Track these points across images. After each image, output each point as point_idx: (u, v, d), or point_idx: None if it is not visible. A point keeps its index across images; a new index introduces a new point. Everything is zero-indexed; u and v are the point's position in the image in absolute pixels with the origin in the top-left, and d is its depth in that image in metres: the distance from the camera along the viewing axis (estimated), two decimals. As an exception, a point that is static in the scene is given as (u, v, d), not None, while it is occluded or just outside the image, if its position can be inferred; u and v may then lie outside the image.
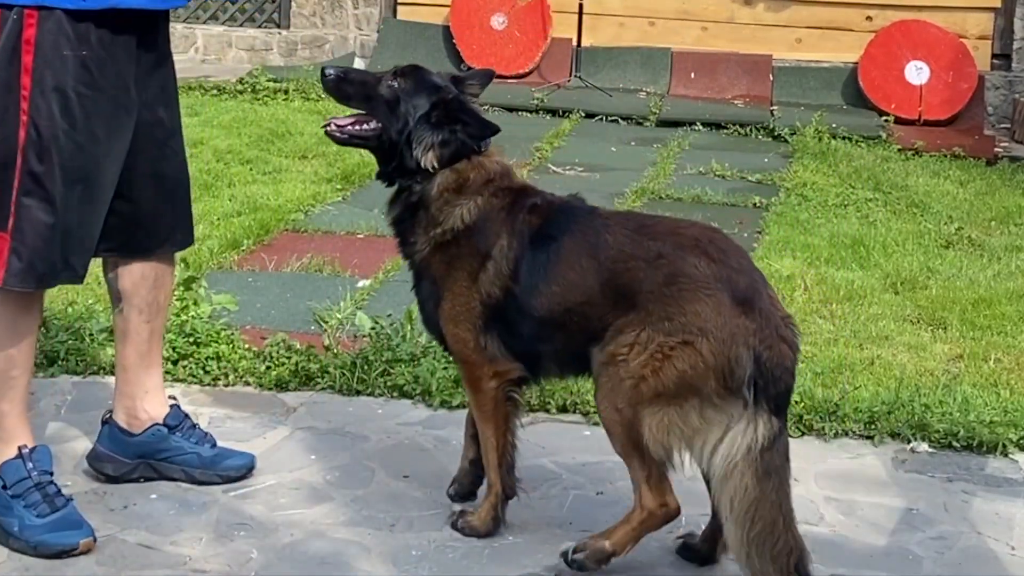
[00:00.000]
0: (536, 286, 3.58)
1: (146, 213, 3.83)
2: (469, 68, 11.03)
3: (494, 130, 3.68)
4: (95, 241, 3.69)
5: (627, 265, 3.48)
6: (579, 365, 3.65)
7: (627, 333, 3.43)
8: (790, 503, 3.43)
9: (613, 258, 3.51)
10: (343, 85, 3.76)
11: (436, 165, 3.64)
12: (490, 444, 3.74)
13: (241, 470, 4.06)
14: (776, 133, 9.71)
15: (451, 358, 3.84)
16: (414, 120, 3.65)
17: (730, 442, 3.37)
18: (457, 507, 3.85)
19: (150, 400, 3.99)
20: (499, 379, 3.67)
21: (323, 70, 3.79)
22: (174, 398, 4.10)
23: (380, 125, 3.70)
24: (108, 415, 4.03)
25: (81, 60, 3.52)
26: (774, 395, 3.37)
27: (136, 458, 3.99)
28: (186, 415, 4.07)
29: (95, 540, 3.63)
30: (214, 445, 4.07)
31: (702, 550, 3.70)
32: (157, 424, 3.98)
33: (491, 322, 3.63)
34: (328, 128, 3.76)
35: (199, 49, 11.78)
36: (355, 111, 3.76)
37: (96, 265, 3.93)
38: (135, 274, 3.88)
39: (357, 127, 3.73)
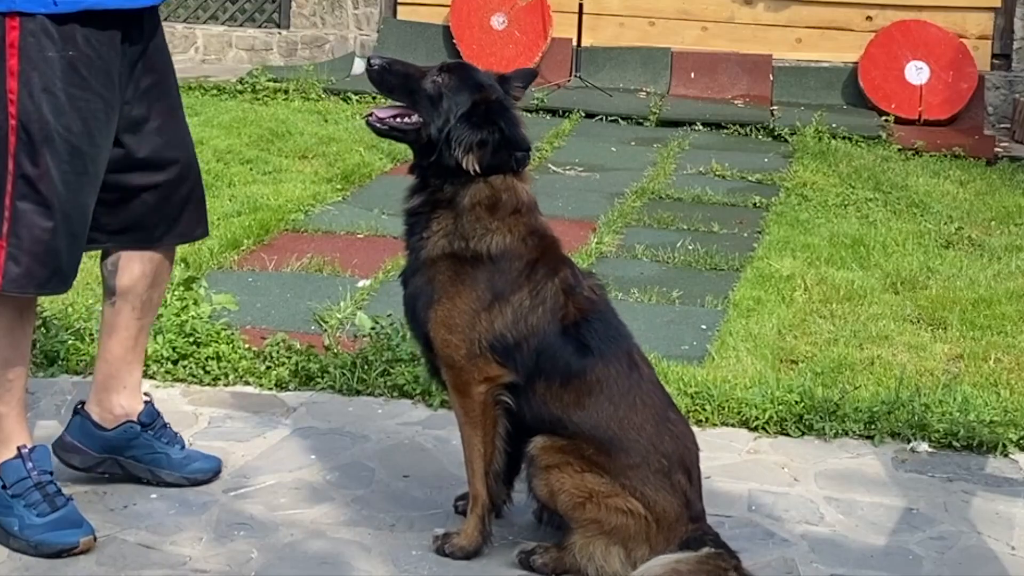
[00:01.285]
0: (551, 376, 3.58)
1: (143, 203, 3.80)
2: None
3: (526, 146, 3.61)
4: (84, 242, 3.66)
5: (639, 438, 3.55)
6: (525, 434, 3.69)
7: (596, 473, 3.55)
8: None
9: (633, 423, 3.56)
10: (387, 76, 3.70)
11: (477, 169, 3.57)
12: (476, 451, 3.65)
13: (208, 473, 4.03)
14: (776, 133, 9.71)
15: (429, 357, 3.76)
16: (455, 118, 3.58)
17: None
18: (440, 530, 3.74)
19: (127, 396, 3.96)
20: (489, 383, 3.61)
21: (368, 59, 3.74)
22: (148, 395, 4.06)
23: (421, 120, 3.63)
24: (81, 405, 4.00)
25: (68, 60, 3.49)
26: None
27: (104, 452, 3.96)
28: (158, 413, 4.03)
29: (95, 539, 3.63)
30: (183, 447, 4.04)
31: None
32: (130, 421, 3.95)
33: (491, 347, 3.60)
34: (369, 119, 3.69)
35: (199, 49, 11.78)
36: (397, 103, 3.69)
37: (91, 260, 3.92)
38: (134, 272, 3.85)
39: (398, 120, 3.66)
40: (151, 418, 4.00)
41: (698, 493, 3.64)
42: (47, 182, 3.50)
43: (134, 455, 3.98)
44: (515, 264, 3.60)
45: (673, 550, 3.49)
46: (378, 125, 3.69)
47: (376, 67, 3.70)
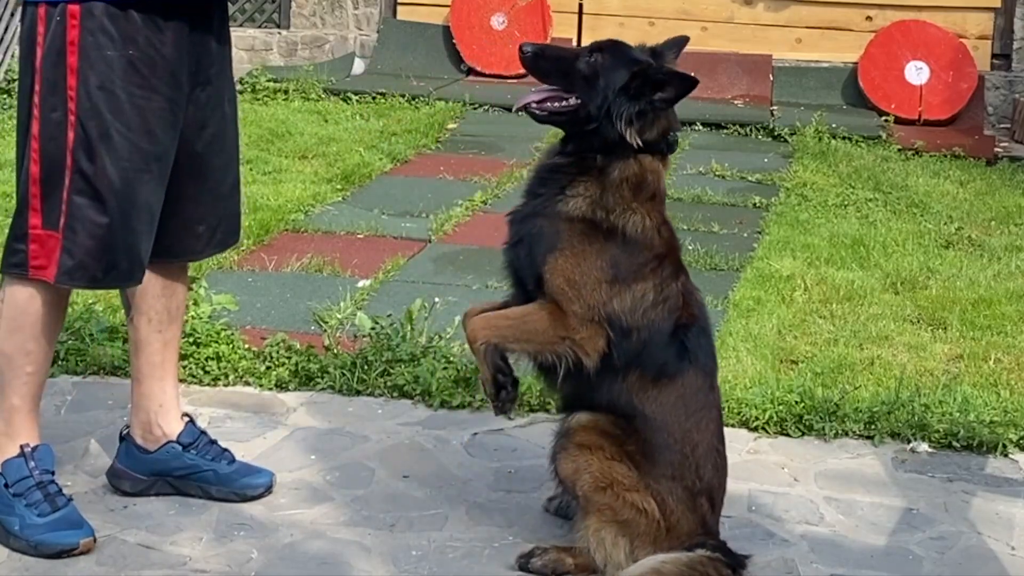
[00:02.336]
0: (644, 368, 3.58)
1: (195, 215, 3.81)
2: (470, 68, 11.06)
3: (694, 82, 3.62)
4: (151, 242, 3.66)
5: (692, 455, 3.58)
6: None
7: (626, 463, 3.57)
8: None
9: (694, 440, 3.59)
10: (540, 61, 3.68)
11: (639, 142, 3.56)
12: (516, 346, 3.62)
13: (259, 488, 3.98)
14: (776, 133, 9.71)
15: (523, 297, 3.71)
16: (613, 93, 3.57)
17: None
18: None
19: (164, 416, 3.94)
20: (587, 340, 3.55)
21: (521, 47, 3.69)
22: (188, 415, 4.04)
23: (579, 101, 3.61)
24: (126, 430, 3.99)
25: (128, 60, 3.52)
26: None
27: (152, 475, 3.94)
28: (202, 431, 4.01)
29: (95, 540, 3.63)
30: (232, 461, 4.00)
31: None
32: (171, 442, 3.93)
33: (608, 321, 3.58)
34: (527, 105, 3.65)
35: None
36: (546, 87, 3.67)
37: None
38: (146, 282, 3.79)
39: (556, 104, 3.64)
40: (192, 437, 3.96)
41: (716, 521, 3.66)
42: (103, 178, 3.52)
43: (182, 474, 3.95)
44: (644, 253, 3.60)
45: (651, 551, 3.53)
46: (538, 112, 3.65)
47: (529, 54, 3.67)
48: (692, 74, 3.67)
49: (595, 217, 3.59)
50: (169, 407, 3.95)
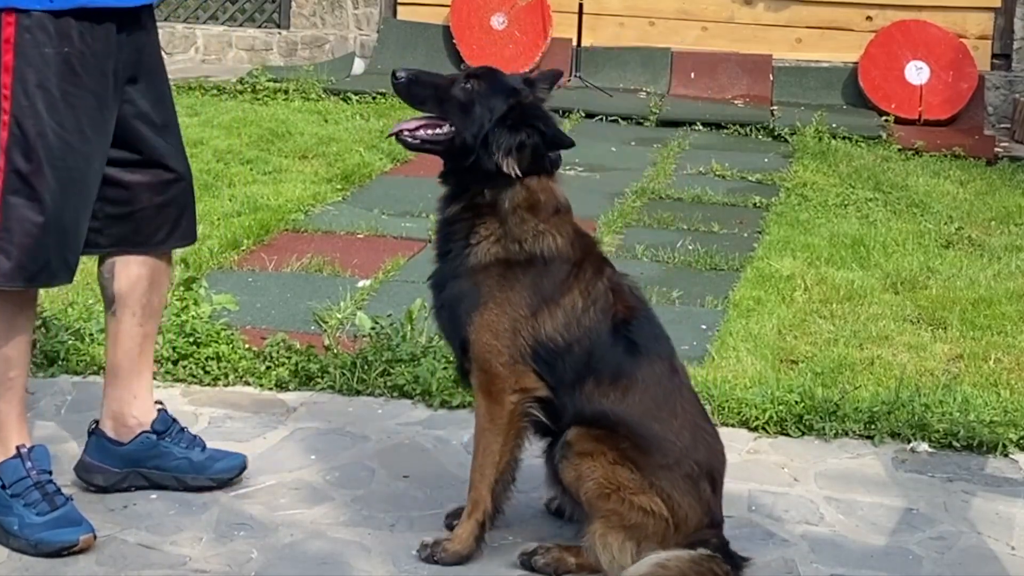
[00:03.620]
0: (600, 373, 3.58)
1: (145, 206, 3.81)
2: (470, 68, 11.05)
3: (568, 142, 3.63)
4: (83, 240, 3.67)
5: (676, 442, 3.57)
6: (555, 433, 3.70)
7: (626, 467, 3.56)
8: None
9: (672, 428, 3.58)
10: (414, 88, 3.65)
11: (518, 172, 3.56)
12: (491, 459, 3.62)
13: (233, 471, 4.02)
14: (776, 133, 9.71)
15: (462, 360, 3.71)
16: (491, 123, 3.55)
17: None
18: (428, 539, 3.69)
19: (139, 406, 3.96)
20: (523, 394, 3.58)
21: (393, 73, 3.67)
22: (161, 403, 4.06)
23: (454, 129, 3.60)
24: (94, 425, 4.00)
25: (64, 57, 3.51)
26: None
27: (126, 467, 3.96)
28: (174, 419, 4.03)
29: (95, 537, 3.63)
30: (204, 448, 4.03)
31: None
32: (145, 432, 3.94)
33: (537, 357, 3.58)
34: (400, 135, 3.64)
35: (199, 49, 11.78)
36: (423, 114, 3.66)
37: (92, 264, 3.92)
38: (131, 275, 3.84)
39: (429, 131, 3.63)
40: (165, 425, 3.98)
41: (719, 503, 3.66)
42: (39, 177, 3.51)
43: (156, 465, 3.96)
44: (564, 266, 3.60)
45: (661, 548, 3.52)
46: (410, 140, 3.64)
47: (403, 80, 3.64)
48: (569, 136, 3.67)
49: (508, 254, 3.59)
50: (144, 397, 3.97)
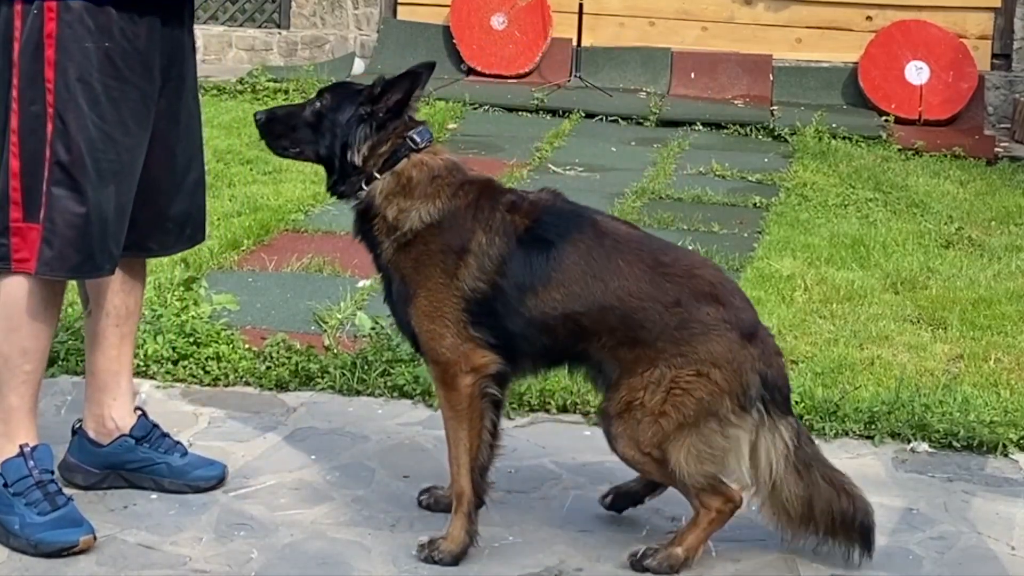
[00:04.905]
0: (531, 286, 3.58)
1: (166, 209, 3.84)
2: (470, 68, 11.06)
3: (415, 80, 3.68)
4: (125, 231, 3.69)
5: (643, 304, 3.54)
6: (554, 365, 3.77)
7: (637, 374, 3.53)
8: (834, 471, 3.68)
9: (628, 291, 3.55)
10: (271, 126, 3.82)
11: (366, 154, 3.64)
12: (462, 446, 3.64)
13: (211, 480, 4.01)
14: (776, 133, 9.71)
15: (423, 359, 3.78)
16: (342, 128, 3.68)
17: (766, 456, 3.57)
18: (424, 538, 3.69)
19: (118, 408, 3.97)
20: (476, 374, 3.61)
21: (255, 116, 3.85)
22: (140, 408, 4.06)
23: (307, 152, 3.78)
24: (79, 424, 4.02)
25: (105, 51, 3.55)
26: (781, 400, 3.61)
27: (105, 468, 3.97)
28: (154, 425, 4.03)
29: (95, 538, 3.63)
30: (184, 454, 4.03)
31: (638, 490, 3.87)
32: (124, 436, 3.96)
33: (478, 315, 3.60)
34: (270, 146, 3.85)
35: (199, 49, 11.76)
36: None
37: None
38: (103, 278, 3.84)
39: (294, 150, 3.83)
40: (145, 431, 3.99)
41: (743, 302, 3.61)
42: (81, 169, 3.54)
43: (134, 468, 3.98)
44: (457, 219, 3.63)
45: (735, 408, 3.51)
46: (279, 150, 3.85)
47: (260, 120, 3.82)
48: (417, 69, 3.74)
49: (397, 241, 3.65)
50: (123, 401, 3.98)
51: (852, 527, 3.65)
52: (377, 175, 3.67)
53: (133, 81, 3.61)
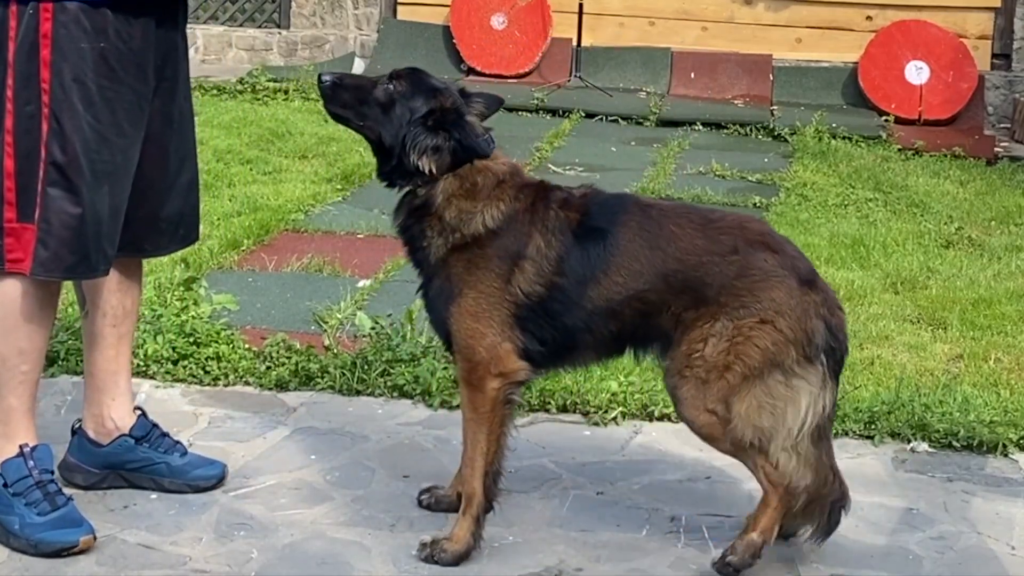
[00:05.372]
0: (593, 276, 3.58)
1: (159, 209, 3.84)
2: (470, 68, 11.06)
3: (484, 152, 3.65)
4: (119, 232, 3.69)
5: (701, 259, 3.55)
6: (618, 352, 3.74)
7: (698, 328, 3.53)
8: (833, 455, 3.69)
9: (686, 250, 3.56)
10: (338, 91, 3.73)
11: (433, 170, 3.61)
12: (479, 449, 3.63)
13: (211, 480, 4.01)
14: (776, 133, 9.71)
15: (453, 357, 3.76)
16: (408, 123, 3.62)
17: (812, 412, 3.52)
18: (427, 537, 3.69)
19: (117, 408, 3.97)
20: (503, 379, 3.60)
21: (319, 76, 3.77)
22: (140, 408, 4.07)
23: (375, 131, 3.68)
24: (78, 424, 4.02)
25: (100, 52, 3.55)
26: (838, 359, 3.59)
27: (104, 468, 3.97)
28: (154, 424, 4.03)
29: (95, 538, 3.63)
30: (184, 454, 4.03)
31: (785, 524, 3.75)
32: (124, 435, 3.96)
33: (526, 319, 3.60)
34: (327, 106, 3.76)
35: (199, 49, 11.78)
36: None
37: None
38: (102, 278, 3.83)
39: (358, 123, 3.72)
40: (144, 431, 3.99)
41: (796, 251, 3.61)
42: (76, 170, 3.54)
43: (134, 468, 3.98)
44: (516, 223, 3.62)
45: (799, 357, 3.48)
46: (340, 117, 3.76)
47: (327, 83, 3.73)
48: (485, 142, 3.68)
49: (455, 243, 3.62)
50: (122, 401, 3.98)
51: (824, 509, 3.65)
52: (430, 174, 3.63)
53: (128, 82, 3.61)
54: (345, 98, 3.73)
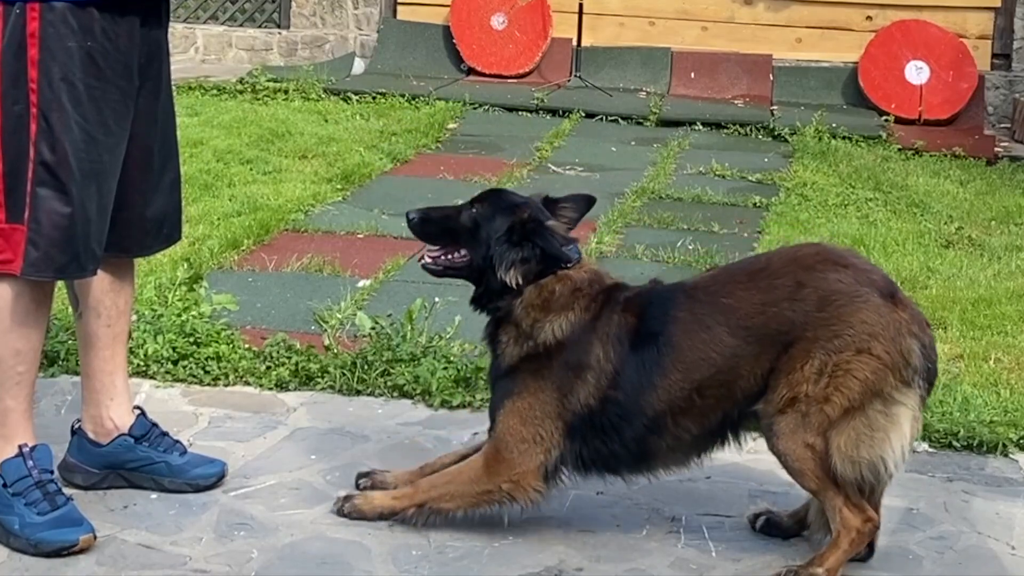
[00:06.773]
0: (650, 383, 3.61)
1: (143, 209, 3.84)
2: (470, 68, 11.06)
3: (567, 259, 3.71)
4: (106, 231, 3.69)
5: (768, 312, 3.54)
6: (712, 437, 3.71)
7: (795, 372, 3.50)
8: None
9: (747, 314, 3.56)
10: (426, 226, 3.83)
11: (520, 282, 3.69)
12: (450, 502, 3.74)
13: (211, 479, 4.02)
14: (776, 133, 9.71)
15: (488, 436, 3.82)
16: (494, 242, 3.70)
17: (911, 439, 3.52)
18: (342, 492, 3.82)
19: (115, 408, 3.97)
20: (514, 486, 3.69)
21: (407, 215, 3.84)
22: (139, 407, 4.07)
23: (466, 256, 3.77)
24: (77, 424, 4.02)
25: (87, 51, 3.55)
26: (931, 382, 3.57)
27: (104, 468, 3.97)
28: (153, 424, 4.03)
29: (95, 537, 3.63)
30: (184, 452, 4.04)
31: (787, 525, 3.82)
32: (123, 435, 3.96)
33: (577, 431, 3.66)
34: (423, 262, 3.84)
35: (199, 49, 11.78)
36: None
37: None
38: (94, 278, 3.82)
39: (449, 257, 3.81)
40: (144, 430, 3.99)
41: (864, 261, 3.60)
42: (65, 169, 3.54)
43: (134, 467, 3.98)
44: (583, 333, 3.68)
45: (897, 383, 3.46)
46: (433, 267, 3.83)
47: (415, 220, 3.82)
48: (568, 251, 3.74)
49: (526, 351, 3.70)
50: (120, 400, 3.98)
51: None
52: (517, 286, 3.71)
53: (114, 81, 3.61)
54: (433, 231, 3.83)
